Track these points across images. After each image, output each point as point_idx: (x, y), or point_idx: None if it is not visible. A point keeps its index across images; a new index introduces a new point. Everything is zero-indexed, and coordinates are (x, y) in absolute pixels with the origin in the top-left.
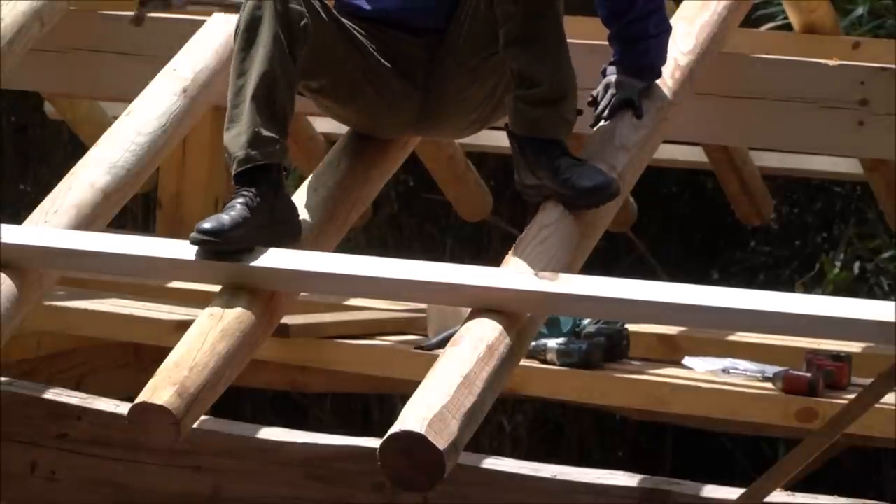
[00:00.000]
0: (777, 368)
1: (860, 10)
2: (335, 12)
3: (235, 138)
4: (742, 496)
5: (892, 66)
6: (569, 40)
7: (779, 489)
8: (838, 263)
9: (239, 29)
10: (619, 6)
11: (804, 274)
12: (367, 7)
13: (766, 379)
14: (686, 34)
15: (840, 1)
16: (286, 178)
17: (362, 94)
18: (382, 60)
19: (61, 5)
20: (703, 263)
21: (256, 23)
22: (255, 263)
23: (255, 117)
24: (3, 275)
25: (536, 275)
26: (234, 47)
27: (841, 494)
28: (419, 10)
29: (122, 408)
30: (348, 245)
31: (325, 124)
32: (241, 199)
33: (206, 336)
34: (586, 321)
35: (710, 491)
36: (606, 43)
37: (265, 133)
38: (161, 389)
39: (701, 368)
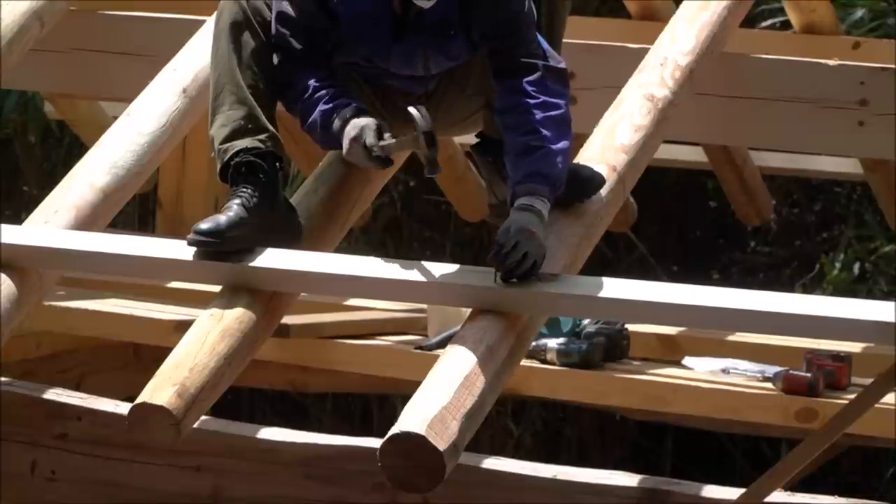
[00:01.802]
0: (777, 368)
1: (860, 13)
2: None
3: (220, 129)
4: (742, 496)
5: (892, 66)
6: (568, 40)
7: (779, 489)
8: (838, 264)
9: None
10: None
11: (804, 274)
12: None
13: (766, 379)
14: (686, 34)
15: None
16: (286, 183)
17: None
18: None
19: (61, 5)
20: (703, 263)
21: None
22: (255, 264)
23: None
24: (3, 275)
25: (537, 275)
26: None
27: (841, 495)
28: (411, 79)
29: (122, 408)
30: (348, 246)
31: None
32: (237, 200)
33: (207, 337)
34: (586, 321)
35: (710, 491)
36: (606, 43)
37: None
38: (161, 390)
39: (701, 368)
